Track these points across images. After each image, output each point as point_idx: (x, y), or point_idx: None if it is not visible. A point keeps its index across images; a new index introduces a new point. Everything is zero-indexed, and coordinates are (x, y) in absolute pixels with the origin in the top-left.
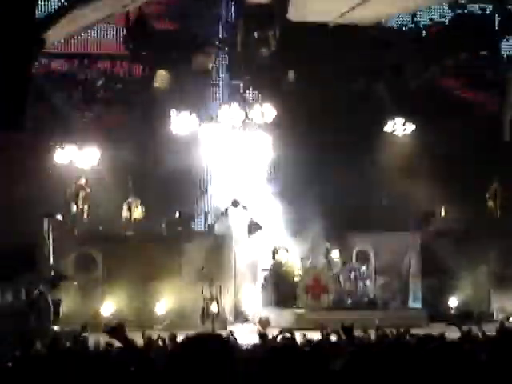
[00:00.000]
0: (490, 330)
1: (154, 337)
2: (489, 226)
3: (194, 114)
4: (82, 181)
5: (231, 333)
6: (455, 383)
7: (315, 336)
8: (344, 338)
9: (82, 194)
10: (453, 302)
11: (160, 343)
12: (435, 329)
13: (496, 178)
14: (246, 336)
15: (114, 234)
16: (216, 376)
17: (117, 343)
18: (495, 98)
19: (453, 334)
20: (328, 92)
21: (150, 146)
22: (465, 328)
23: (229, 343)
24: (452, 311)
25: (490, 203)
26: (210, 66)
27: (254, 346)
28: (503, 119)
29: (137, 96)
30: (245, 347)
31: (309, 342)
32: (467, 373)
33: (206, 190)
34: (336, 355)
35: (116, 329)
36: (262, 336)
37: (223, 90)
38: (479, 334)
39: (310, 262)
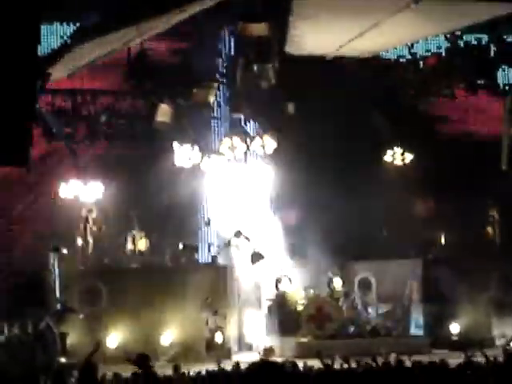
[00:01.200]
0: (492, 355)
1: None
2: (488, 252)
3: (195, 147)
4: (93, 214)
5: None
6: None
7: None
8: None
9: (88, 226)
10: (454, 328)
11: None
12: (437, 355)
13: (494, 204)
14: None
15: (119, 266)
16: None
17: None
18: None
19: (454, 360)
20: (327, 120)
21: (153, 179)
22: (468, 354)
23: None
24: (453, 338)
25: (489, 229)
26: (211, 99)
27: None
28: (502, 147)
29: (139, 131)
30: None
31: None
32: None
33: (209, 222)
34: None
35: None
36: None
37: (224, 123)
38: (482, 360)
39: (312, 291)
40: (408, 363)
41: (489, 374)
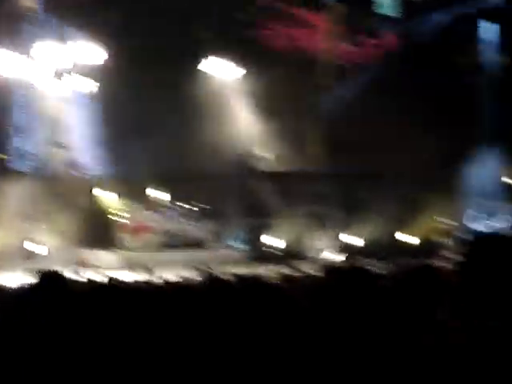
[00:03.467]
0: (310, 268)
1: None
2: (310, 166)
3: (12, 52)
4: None
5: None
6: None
7: (139, 276)
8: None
9: None
10: (275, 241)
11: None
12: (257, 268)
13: (317, 122)
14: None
15: None
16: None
17: None
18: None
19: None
20: (152, 30)
21: None
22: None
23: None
24: (273, 251)
25: (313, 147)
26: (30, 3)
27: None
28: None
29: None
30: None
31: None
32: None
33: (26, 131)
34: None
35: None
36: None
37: (43, 28)
38: (301, 272)
39: (133, 203)
40: (228, 275)
41: (307, 285)
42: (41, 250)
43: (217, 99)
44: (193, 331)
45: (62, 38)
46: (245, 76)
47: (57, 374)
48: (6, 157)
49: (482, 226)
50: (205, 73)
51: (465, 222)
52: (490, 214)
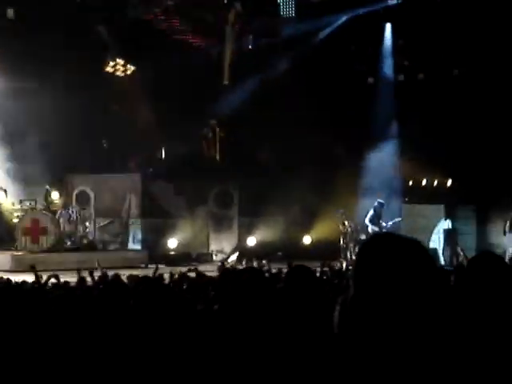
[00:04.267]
0: (208, 270)
1: None
2: (207, 167)
3: None
4: None
5: None
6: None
7: (31, 278)
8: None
9: None
10: (172, 243)
11: None
12: (155, 269)
13: (214, 119)
14: None
15: None
16: None
17: None
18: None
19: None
20: (49, 28)
21: None
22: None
23: None
24: (171, 252)
25: (207, 144)
26: None
27: None
28: (223, 64)
29: None
30: None
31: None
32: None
33: None
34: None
35: None
36: None
37: None
38: (196, 274)
39: (29, 203)
40: (124, 277)
41: (203, 287)
42: None
43: (117, 98)
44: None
45: None
46: (142, 75)
47: None
48: None
49: (377, 226)
50: (105, 72)
51: (363, 221)
52: (384, 214)
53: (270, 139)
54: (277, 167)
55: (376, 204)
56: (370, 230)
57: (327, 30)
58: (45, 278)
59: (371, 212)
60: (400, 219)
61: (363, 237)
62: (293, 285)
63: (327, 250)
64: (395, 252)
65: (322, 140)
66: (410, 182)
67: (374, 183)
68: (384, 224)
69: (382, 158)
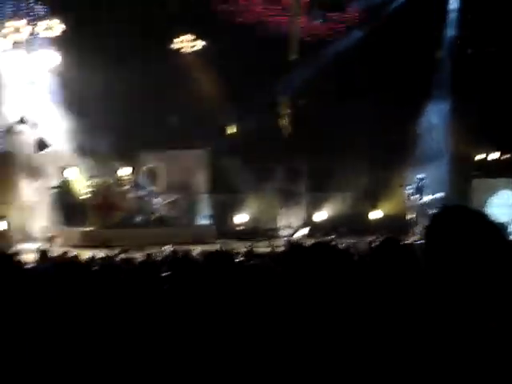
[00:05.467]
0: (277, 245)
1: None
2: (276, 143)
3: None
4: None
5: (18, 251)
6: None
7: (101, 254)
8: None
9: None
10: (241, 218)
11: None
12: (224, 245)
13: (282, 92)
14: (33, 254)
15: None
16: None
17: None
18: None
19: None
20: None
21: None
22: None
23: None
24: (240, 228)
25: (279, 120)
26: None
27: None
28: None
29: None
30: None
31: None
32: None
33: None
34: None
35: None
36: (43, 253)
37: (7, 4)
38: (267, 249)
39: (99, 180)
40: (194, 253)
41: (273, 262)
42: (7, 227)
43: (185, 75)
44: (156, 309)
45: (24, 12)
46: (211, 51)
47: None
48: None
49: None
50: (173, 48)
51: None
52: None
53: (339, 114)
54: (344, 142)
55: (417, 178)
56: (410, 204)
57: (394, 4)
58: (115, 253)
59: (414, 186)
60: (442, 194)
61: (430, 211)
62: (381, 258)
63: (394, 224)
64: (465, 224)
65: (387, 115)
66: (478, 157)
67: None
68: (425, 198)
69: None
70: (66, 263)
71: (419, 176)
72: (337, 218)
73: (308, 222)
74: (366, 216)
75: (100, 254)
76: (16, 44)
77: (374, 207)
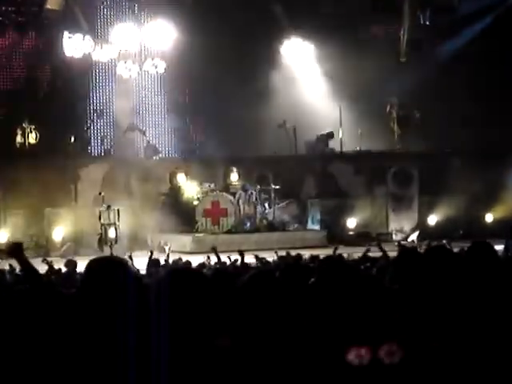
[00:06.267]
0: (388, 250)
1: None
2: (387, 147)
3: (87, 36)
4: None
5: (130, 257)
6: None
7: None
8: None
9: None
10: (351, 223)
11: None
12: (335, 250)
13: (394, 96)
14: (144, 261)
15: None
16: (120, 298)
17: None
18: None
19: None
20: (227, 13)
21: (44, 68)
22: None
23: (128, 267)
24: (350, 232)
25: (392, 124)
26: None
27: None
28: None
29: (29, 18)
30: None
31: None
32: (367, 294)
33: (102, 114)
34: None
35: (14, 247)
36: (154, 260)
37: (117, 11)
38: (379, 254)
39: (208, 185)
40: (305, 258)
41: (385, 267)
42: (118, 235)
43: (293, 80)
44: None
45: (138, 20)
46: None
47: None
48: (83, 139)
49: None
50: (281, 53)
51: None
52: None
53: (449, 115)
54: (455, 143)
55: None
56: None
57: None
58: (224, 258)
59: None
60: None
61: None
62: (473, 262)
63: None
64: None
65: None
66: None
67: None
68: None
69: None
70: (180, 270)
71: None
72: (450, 221)
73: (420, 225)
74: (482, 219)
75: (211, 260)
76: (133, 52)
77: (488, 210)
